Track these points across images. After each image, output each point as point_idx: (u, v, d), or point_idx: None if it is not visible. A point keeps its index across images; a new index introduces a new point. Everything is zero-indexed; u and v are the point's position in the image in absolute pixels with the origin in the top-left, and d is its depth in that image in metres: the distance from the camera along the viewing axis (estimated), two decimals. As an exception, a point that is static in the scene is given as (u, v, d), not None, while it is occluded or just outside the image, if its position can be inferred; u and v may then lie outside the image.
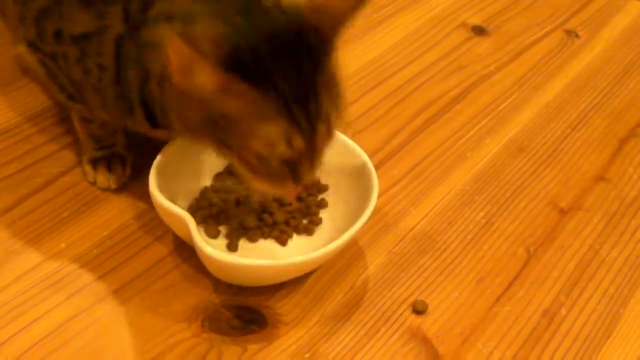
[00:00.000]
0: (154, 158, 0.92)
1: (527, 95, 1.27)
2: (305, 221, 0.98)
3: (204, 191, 0.99)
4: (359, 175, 0.96)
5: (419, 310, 0.91)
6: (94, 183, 1.00)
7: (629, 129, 1.23)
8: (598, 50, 1.40)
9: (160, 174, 0.91)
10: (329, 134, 0.84)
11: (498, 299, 0.94)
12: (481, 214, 1.04)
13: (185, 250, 0.93)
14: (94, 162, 1.01)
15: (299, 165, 0.83)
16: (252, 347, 0.85)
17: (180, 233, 0.90)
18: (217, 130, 0.81)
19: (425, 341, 0.88)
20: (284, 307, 0.90)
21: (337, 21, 0.82)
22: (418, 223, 1.02)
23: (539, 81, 1.30)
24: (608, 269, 1.00)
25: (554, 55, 1.37)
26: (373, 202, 0.91)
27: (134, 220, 0.97)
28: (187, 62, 0.76)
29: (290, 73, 0.79)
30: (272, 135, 0.80)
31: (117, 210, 0.98)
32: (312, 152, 0.83)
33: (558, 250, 1.01)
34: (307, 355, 0.86)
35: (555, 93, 1.28)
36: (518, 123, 1.21)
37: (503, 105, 1.24)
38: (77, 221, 0.96)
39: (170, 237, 0.95)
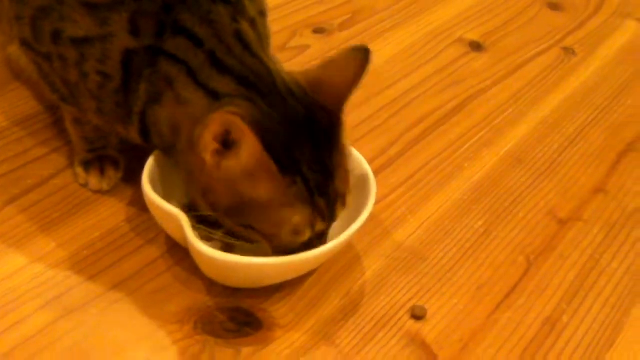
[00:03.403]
0: (146, 160, 0.90)
1: (524, 110, 1.26)
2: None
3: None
4: (357, 180, 0.94)
5: (417, 315, 0.89)
6: (85, 185, 0.98)
7: (626, 144, 1.21)
8: (594, 68, 1.39)
9: (153, 175, 0.89)
10: (344, 208, 0.86)
11: (498, 306, 0.92)
12: (479, 223, 1.03)
13: (178, 252, 0.91)
14: (86, 164, 0.99)
15: (316, 239, 0.85)
16: (245, 350, 0.83)
17: (173, 233, 0.88)
18: (244, 215, 0.82)
19: (424, 346, 0.86)
20: (279, 310, 0.88)
21: (341, 97, 0.84)
22: (416, 231, 1.00)
23: (535, 96, 1.29)
24: (609, 279, 0.98)
25: (550, 72, 1.36)
26: (371, 204, 0.89)
27: (126, 222, 0.95)
28: (233, 134, 0.77)
29: (312, 160, 0.81)
30: (298, 224, 0.82)
31: (109, 213, 0.96)
32: (328, 227, 0.86)
33: (558, 259, 0.99)
34: (302, 359, 0.83)
35: (551, 108, 1.27)
36: (515, 136, 1.20)
37: (499, 119, 1.23)
38: (68, 222, 0.94)
39: (163, 239, 0.93)
